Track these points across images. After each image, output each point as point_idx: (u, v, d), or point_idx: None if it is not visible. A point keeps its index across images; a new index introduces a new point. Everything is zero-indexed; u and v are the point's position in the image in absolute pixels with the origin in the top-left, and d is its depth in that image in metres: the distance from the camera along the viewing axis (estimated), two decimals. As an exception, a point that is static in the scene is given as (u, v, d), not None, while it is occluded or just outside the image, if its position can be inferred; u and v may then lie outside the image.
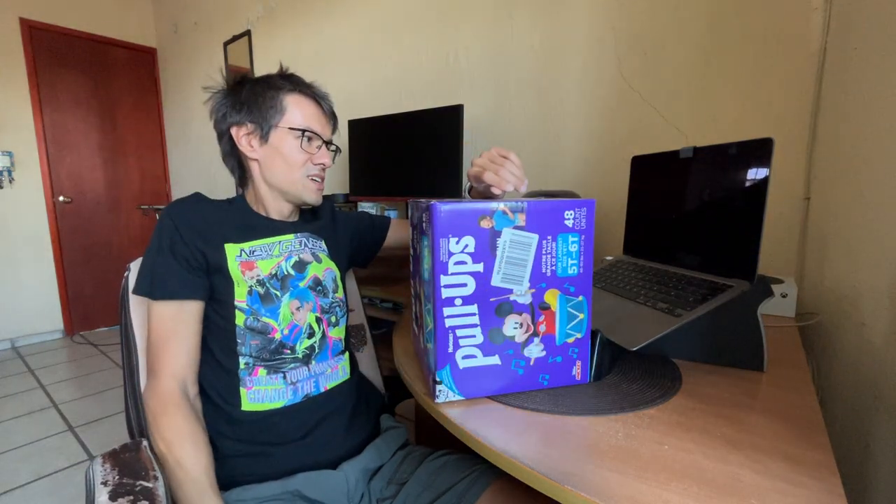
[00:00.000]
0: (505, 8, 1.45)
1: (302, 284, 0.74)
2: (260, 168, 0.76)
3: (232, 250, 0.70)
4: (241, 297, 0.69)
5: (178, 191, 3.49)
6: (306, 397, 0.71)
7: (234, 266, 0.69)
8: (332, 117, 0.80)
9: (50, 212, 2.99)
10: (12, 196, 2.86)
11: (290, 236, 0.77)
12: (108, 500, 0.51)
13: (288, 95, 0.74)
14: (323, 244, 0.82)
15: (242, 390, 0.69)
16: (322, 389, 0.73)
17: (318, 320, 0.75)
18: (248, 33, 2.50)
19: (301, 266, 0.75)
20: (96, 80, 3.15)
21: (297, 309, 0.72)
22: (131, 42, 3.31)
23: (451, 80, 1.63)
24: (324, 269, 0.78)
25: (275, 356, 0.70)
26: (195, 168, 3.22)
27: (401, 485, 0.69)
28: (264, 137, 0.74)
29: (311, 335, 0.73)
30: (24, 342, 2.96)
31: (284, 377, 0.70)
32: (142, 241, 3.38)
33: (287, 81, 0.75)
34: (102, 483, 0.54)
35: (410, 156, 1.56)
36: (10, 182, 2.84)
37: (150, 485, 0.55)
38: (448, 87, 1.64)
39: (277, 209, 0.78)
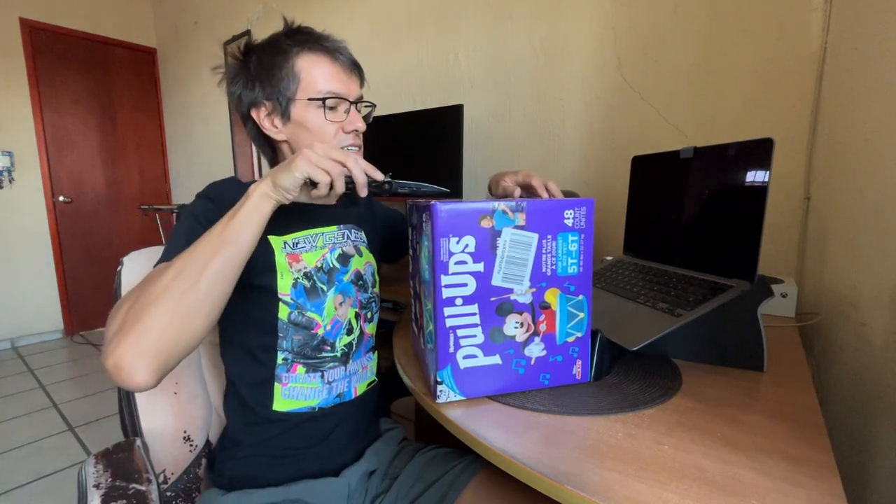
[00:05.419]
0: (505, 8, 1.44)
1: (345, 279, 0.71)
2: (290, 149, 0.70)
3: (276, 242, 0.66)
4: (285, 290, 0.65)
5: (178, 191, 3.49)
6: (339, 397, 0.70)
7: (280, 257, 0.66)
8: (354, 69, 0.70)
9: (50, 212, 2.99)
10: (12, 196, 2.86)
11: (333, 228, 0.73)
12: (100, 503, 0.51)
13: (298, 58, 0.65)
14: (363, 235, 0.78)
15: (277, 386, 0.66)
16: (352, 391, 0.72)
17: (357, 316, 0.73)
18: (248, 33, 2.50)
19: (345, 259, 0.72)
20: (96, 80, 3.16)
21: (340, 304, 0.69)
22: (131, 42, 3.31)
23: (451, 80, 1.63)
24: (364, 262, 0.75)
25: (316, 353, 0.68)
26: (195, 168, 3.22)
27: (393, 479, 0.70)
28: (285, 115, 0.67)
29: (349, 332, 0.71)
30: (24, 342, 2.96)
31: (322, 376, 0.68)
32: (142, 241, 3.37)
33: (294, 40, 0.66)
34: (95, 486, 0.53)
35: (410, 156, 1.56)
36: (10, 182, 2.84)
37: (143, 488, 0.54)
38: (448, 87, 1.64)
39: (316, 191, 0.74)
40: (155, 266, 0.56)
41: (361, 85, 0.73)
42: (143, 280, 0.53)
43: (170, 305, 0.48)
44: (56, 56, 2.98)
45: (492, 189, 0.77)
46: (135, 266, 0.75)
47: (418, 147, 1.52)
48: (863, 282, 0.71)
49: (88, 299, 3.20)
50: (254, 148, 2.58)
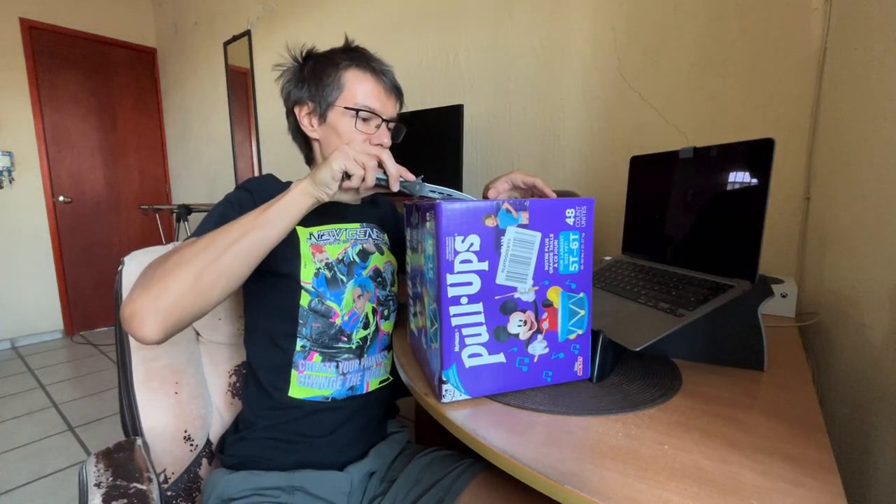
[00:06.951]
0: (505, 8, 1.45)
1: (364, 273, 0.75)
2: (321, 148, 0.75)
3: (303, 233, 0.71)
4: (307, 279, 0.69)
5: (178, 191, 3.49)
6: (352, 389, 0.72)
7: (305, 247, 0.70)
8: (394, 92, 0.76)
9: (50, 212, 2.99)
10: (12, 196, 2.86)
11: (357, 225, 0.77)
12: (101, 503, 0.51)
13: (346, 71, 0.71)
14: (386, 237, 0.82)
15: (294, 373, 0.69)
16: (365, 385, 0.74)
17: (374, 311, 0.75)
18: (248, 33, 2.50)
19: (364, 255, 0.75)
20: (96, 80, 3.16)
21: (359, 297, 0.73)
22: (131, 42, 3.31)
23: (451, 80, 1.63)
24: (384, 261, 0.79)
25: (333, 343, 0.71)
26: (195, 168, 3.22)
27: (392, 482, 0.70)
28: (322, 117, 0.72)
29: (366, 325, 0.74)
30: (24, 342, 2.96)
31: (337, 367, 0.71)
32: (142, 241, 3.37)
33: (347, 56, 0.72)
34: (96, 485, 0.53)
35: (410, 156, 1.56)
36: (10, 182, 2.85)
37: (143, 487, 0.54)
38: (448, 87, 1.64)
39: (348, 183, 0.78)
40: (185, 240, 0.61)
41: (400, 108, 0.78)
42: (176, 247, 0.57)
43: (192, 273, 0.52)
44: (56, 56, 2.98)
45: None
46: (135, 266, 0.75)
47: (418, 147, 1.52)
48: (863, 282, 0.71)
49: (88, 299, 3.20)
50: (253, 148, 2.59)
